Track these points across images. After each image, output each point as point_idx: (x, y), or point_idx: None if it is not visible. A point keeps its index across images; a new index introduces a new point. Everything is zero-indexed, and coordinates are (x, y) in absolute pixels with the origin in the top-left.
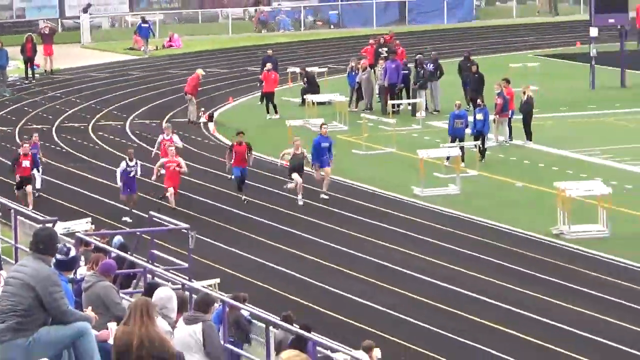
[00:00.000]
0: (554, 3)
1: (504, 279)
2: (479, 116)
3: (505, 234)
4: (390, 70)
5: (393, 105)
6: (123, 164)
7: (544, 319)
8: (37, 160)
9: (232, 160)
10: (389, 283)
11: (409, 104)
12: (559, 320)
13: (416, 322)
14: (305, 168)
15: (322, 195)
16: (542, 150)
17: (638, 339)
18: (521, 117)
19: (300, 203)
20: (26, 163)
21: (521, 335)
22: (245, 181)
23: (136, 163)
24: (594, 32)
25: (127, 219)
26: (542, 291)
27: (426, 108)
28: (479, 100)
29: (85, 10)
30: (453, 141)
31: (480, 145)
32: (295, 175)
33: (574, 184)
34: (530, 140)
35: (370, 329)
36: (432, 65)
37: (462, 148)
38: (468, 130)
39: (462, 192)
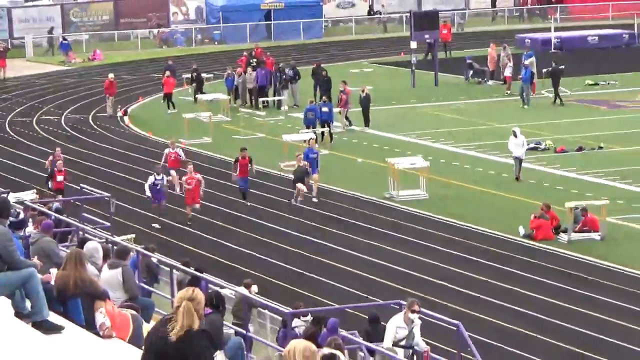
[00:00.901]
0: (383, 24)
1: (344, 229)
2: (325, 109)
3: (348, 197)
4: (260, 76)
5: (263, 102)
6: (151, 178)
7: (370, 258)
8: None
9: (237, 172)
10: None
11: (275, 100)
12: (386, 260)
13: None
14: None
15: (313, 199)
16: (377, 134)
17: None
18: (360, 109)
19: (294, 202)
20: (60, 178)
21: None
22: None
23: (162, 177)
24: (413, 45)
25: (156, 225)
26: (374, 240)
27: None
28: (324, 97)
29: (50, 32)
30: (307, 128)
31: (329, 131)
32: (299, 185)
33: (401, 159)
34: (368, 127)
35: None
36: (291, 71)
37: (322, 133)
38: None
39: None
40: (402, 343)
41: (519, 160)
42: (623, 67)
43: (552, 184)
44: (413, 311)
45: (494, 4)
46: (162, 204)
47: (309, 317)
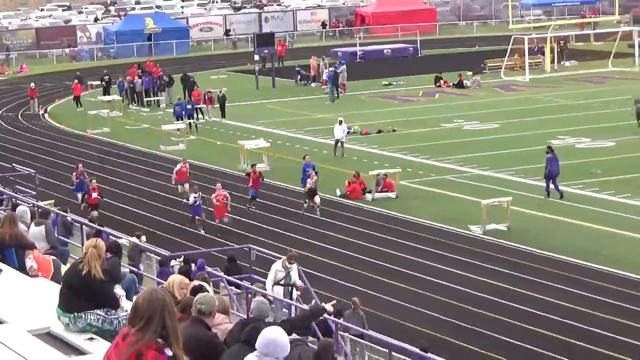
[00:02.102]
0: (234, 42)
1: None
2: (189, 106)
3: (213, 170)
4: (145, 82)
5: (148, 101)
6: (192, 197)
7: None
8: (82, 186)
9: (250, 184)
10: None
11: (155, 100)
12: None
13: None
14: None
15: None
16: (231, 124)
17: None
18: (219, 105)
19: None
20: (94, 195)
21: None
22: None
23: (199, 194)
24: (256, 57)
25: (203, 232)
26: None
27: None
28: (190, 97)
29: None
30: (177, 120)
31: (195, 123)
32: (316, 198)
33: (248, 142)
34: (224, 118)
35: None
36: (167, 78)
37: (189, 124)
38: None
39: (187, 149)
40: (282, 282)
41: (340, 142)
42: (408, 72)
43: (360, 158)
44: (290, 262)
45: (324, 26)
46: (202, 217)
47: (182, 259)
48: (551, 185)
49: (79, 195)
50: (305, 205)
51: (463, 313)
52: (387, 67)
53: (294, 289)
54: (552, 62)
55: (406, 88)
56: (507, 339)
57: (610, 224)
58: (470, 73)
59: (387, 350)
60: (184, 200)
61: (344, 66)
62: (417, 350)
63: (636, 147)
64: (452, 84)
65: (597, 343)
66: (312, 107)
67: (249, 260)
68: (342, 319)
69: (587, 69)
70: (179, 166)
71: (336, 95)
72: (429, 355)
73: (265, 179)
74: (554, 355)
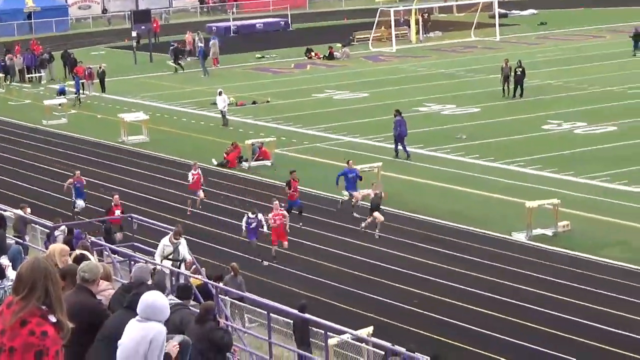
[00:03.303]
0: (108, 19)
1: (87, 163)
2: (71, 82)
3: (91, 142)
4: (27, 59)
5: (29, 78)
6: (245, 217)
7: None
8: (81, 192)
9: (290, 193)
10: None
11: (37, 76)
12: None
13: None
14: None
15: (354, 214)
16: (111, 97)
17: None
18: (98, 80)
19: (377, 237)
20: (118, 212)
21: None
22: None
23: (256, 216)
24: (134, 34)
25: (265, 262)
26: (96, 167)
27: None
28: (72, 74)
29: None
30: (59, 95)
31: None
32: (376, 214)
33: (128, 114)
34: (104, 92)
35: None
36: (48, 55)
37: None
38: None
39: (69, 123)
40: (170, 257)
41: (223, 113)
42: (280, 45)
43: (236, 128)
44: (176, 238)
45: (202, 2)
46: (254, 242)
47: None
48: (401, 147)
49: (80, 203)
50: (367, 221)
51: (336, 273)
52: (260, 40)
53: (182, 264)
54: (417, 33)
55: (279, 60)
56: (353, 290)
57: (474, 186)
58: (340, 45)
59: (265, 312)
60: (190, 210)
61: (216, 40)
62: (294, 310)
63: (500, 113)
64: (322, 56)
65: (450, 295)
66: (188, 81)
67: (132, 229)
68: (221, 284)
69: (451, 39)
70: (190, 174)
71: (205, 69)
72: (307, 314)
73: (145, 151)
74: (360, 311)
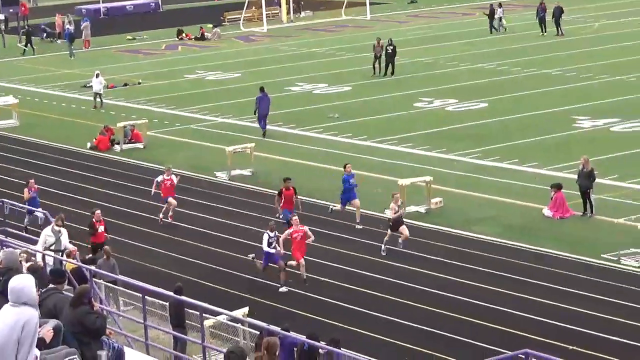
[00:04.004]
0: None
1: None
2: None
3: None
4: None
5: None
6: (266, 236)
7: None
8: (37, 202)
9: (282, 204)
10: None
11: None
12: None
13: None
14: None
15: (357, 226)
16: None
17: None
18: None
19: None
20: (101, 228)
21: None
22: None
23: (275, 234)
24: (1, 16)
25: (284, 289)
26: None
27: None
28: None
29: None
30: None
31: None
32: (402, 228)
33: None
34: None
35: None
36: None
37: None
38: None
39: None
40: (52, 247)
41: (99, 95)
42: (151, 26)
43: (108, 110)
44: (58, 225)
45: None
46: (282, 265)
47: None
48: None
49: (40, 215)
50: (387, 238)
51: (211, 254)
52: (130, 22)
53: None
54: (288, 13)
55: (150, 42)
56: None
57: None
58: (211, 26)
59: (140, 295)
60: (163, 219)
61: (88, 22)
62: (169, 292)
63: (372, 91)
64: (193, 37)
65: (322, 274)
66: (59, 64)
67: (3, 213)
68: (95, 267)
69: (322, 18)
70: (160, 178)
71: (71, 51)
72: (183, 297)
73: (10, 135)
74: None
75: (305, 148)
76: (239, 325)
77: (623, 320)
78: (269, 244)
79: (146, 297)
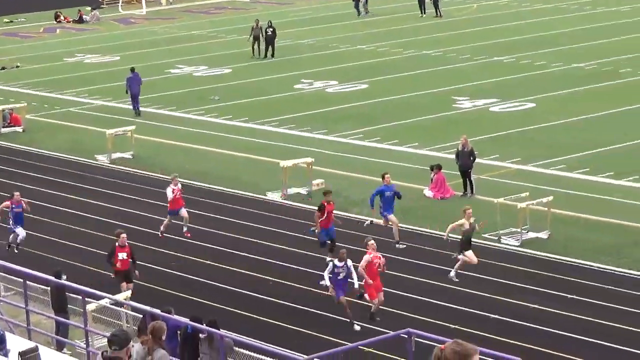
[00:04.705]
0: None
1: None
2: None
3: None
4: None
5: None
6: (330, 265)
7: None
8: (21, 217)
9: (321, 220)
10: None
11: None
12: None
13: None
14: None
15: (398, 245)
16: None
17: None
18: None
19: (454, 274)
20: (123, 256)
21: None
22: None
23: (345, 264)
24: None
25: (358, 328)
26: None
27: None
28: None
29: None
30: None
31: None
32: (468, 254)
33: None
34: None
35: None
36: None
37: None
38: None
39: None
40: None
41: None
42: (29, 9)
43: None
44: None
45: None
46: (342, 299)
47: None
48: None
49: (19, 232)
50: (459, 256)
51: (94, 239)
52: (7, 4)
53: None
54: None
55: (28, 25)
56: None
57: (228, 147)
58: (89, 8)
59: (21, 280)
60: (164, 234)
61: None
62: (50, 277)
63: (252, 73)
64: (72, 20)
65: (203, 256)
66: None
67: None
68: None
69: (201, 0)
70: (169, 190)
71: None
72: (64, 280)
73: None
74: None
75: (185, 130)
76: (121, 309)
77: (502, 299)
78: (335, 274)
79: (27, 282)
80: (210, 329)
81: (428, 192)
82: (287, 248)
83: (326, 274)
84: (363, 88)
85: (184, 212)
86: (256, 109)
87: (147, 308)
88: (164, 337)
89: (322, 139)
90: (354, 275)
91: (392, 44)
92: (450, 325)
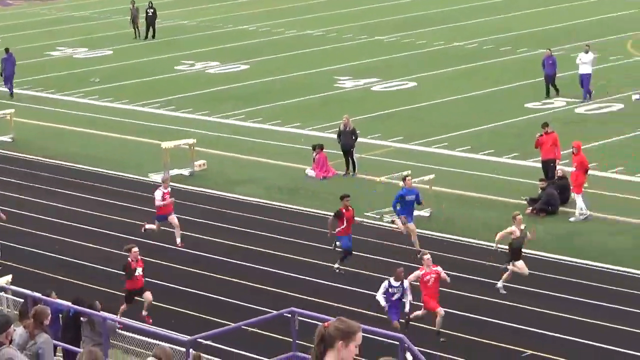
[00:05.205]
0: None
1: None
2: None
3: None
4: None
5: None
6: (385, 284)
7: None
8: None
9: (341, 228)
10: None
11: None
12: None
13: None
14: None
15: (420, 255)
16: None
17: None
18: None
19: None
20: (139, 271)
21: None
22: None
23: (401, 284)
24: None
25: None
26: None
27: None
28: None
29: None
30: None
31: None
32: (519, 264)
33: None
34: None
35: None
36: None
37: None
38: None
39: None
40: None
41: None
42: None
43: None
44: None
45: None
46: (395, 324)
47: None
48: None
49: None
50: (508, 267)
51: None
52: None
53: None
54: None
55: None
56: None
57: (110, 129)
58: None
59: None
60: (147, 228)
61: None
62: None
63: (133, 55)
64: None
65: (80, 237)
66: None
67: None
68: None
69: None
70: (159, 193)
71: None
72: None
73: None
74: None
75: (66, 113)
76: (2, 293)
77: (380, 275)
78: (389, 294)
79: None
80: (92, 311)
81: (310, 172)
82: (163, 228)
83: (380, 294)
84: (245, 69)
85: (173, 218)
86: (137, 91)
87: (28, 292)
88: (46, 322)
89: (204, 120)
90: (407, 297)
91: (273, 24)
92: (334, 304)
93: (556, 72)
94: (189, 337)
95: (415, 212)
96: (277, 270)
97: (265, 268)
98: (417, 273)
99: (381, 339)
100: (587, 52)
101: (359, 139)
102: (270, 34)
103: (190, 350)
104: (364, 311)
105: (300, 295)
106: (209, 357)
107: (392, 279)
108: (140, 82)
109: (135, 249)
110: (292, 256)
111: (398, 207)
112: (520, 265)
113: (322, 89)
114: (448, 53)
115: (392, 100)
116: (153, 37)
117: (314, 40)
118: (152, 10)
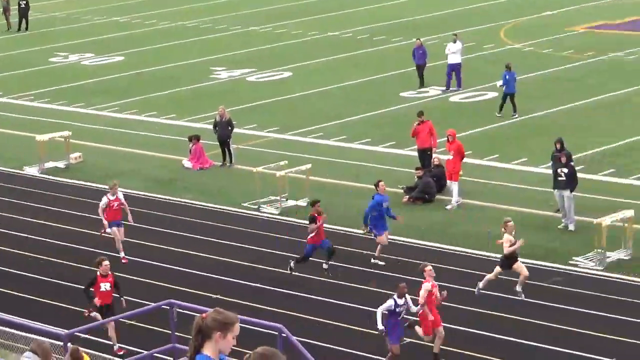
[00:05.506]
0: None
1: None
2: None
3: None
4: None
5: None
6: (390, 302)
7: None
8: None
9: (314, 234)
10: None
11: None
12: None
13: None
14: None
15: (377, 261)
16: None
17: None
18: None
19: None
20: (106, 287)
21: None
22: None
23: (406, 301)
24: None
25: None
26: None
27: None
28: None
29: None
30: None
31: None
32: (517, 265)
33: None
34: None
35: None
36: None
37: None
38: None
39: None
40: None
41: None
42: None
43: None
44: None
45: None
46: (395, 348)
47: None
48: None
49: None
50: (492, 276)
51: None
52: None
53: None
54: None
55: None
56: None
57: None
58: None
59: None
60: (106, 233)
61: None
62: None
63: (5, 47)
64: None
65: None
66: None
67: None
68: None
69: None
70: (105, 200)
71: None
72: None
73: None
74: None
75: None
76: None
77: (259, 266)
78: (395, 314)
79: None
80: None
81: (187, 163)
82: (46, 223)
83: (379, 313)
84: (119, 60)
85: (115, 230)
86: (10, 84)
87: None
88: None
89: (79, 112)
90: (412, 308)
91: (146, 16)
92: (212, 295)
93: (426, 62)
94: (66, 330)
95: (292, 202)
96: (155, 263)
97: (145, 261)
98: (426, 287)
99: (259, 329)
100: (455, 41)
101: (235, 130)
102: (143, 26)
103: (68, 344)
104: (242, 302)
105: (178, 287)
106: (87, 350)
107: (396, 297)
108: (14, 75)
109: (107, 262)
110: (172, 248)
111: (371, 215)
112: (519, 267)
113: (197, 80)
114: (323, 43)
115: (268, 91)
116: (26, 29)
117: (188, 31)
118: (24, 2)
